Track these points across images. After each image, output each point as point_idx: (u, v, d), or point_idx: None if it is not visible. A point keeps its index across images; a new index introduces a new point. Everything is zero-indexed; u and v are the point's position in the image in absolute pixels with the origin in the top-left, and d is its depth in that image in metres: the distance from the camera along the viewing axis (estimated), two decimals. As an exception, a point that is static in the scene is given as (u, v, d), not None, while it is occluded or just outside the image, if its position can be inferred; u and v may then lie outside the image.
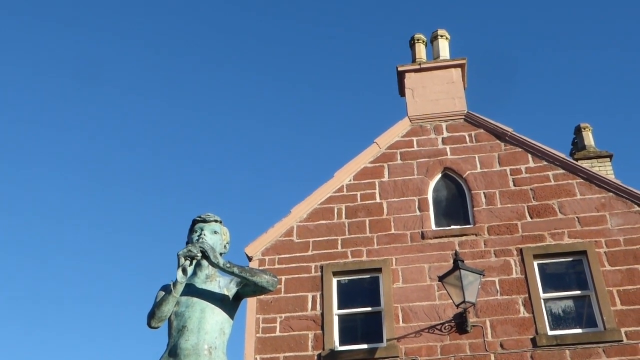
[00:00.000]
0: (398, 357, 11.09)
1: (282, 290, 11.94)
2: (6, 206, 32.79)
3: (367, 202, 12.75)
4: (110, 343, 32.12)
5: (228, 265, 4.47)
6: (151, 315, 4.45)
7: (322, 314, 11.62)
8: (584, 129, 15.89)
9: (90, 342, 31.78)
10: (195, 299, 4.51)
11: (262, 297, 11.91)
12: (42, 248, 33.79)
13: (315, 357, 11.28)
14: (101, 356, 31.17)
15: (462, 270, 10.76)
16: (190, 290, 4.58)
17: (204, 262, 4.65)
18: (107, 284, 33.56)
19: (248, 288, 4.61)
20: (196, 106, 37.88)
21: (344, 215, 12.64)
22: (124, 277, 33.98)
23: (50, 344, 32.01)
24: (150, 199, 35.16)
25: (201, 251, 4.43)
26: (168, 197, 35.14)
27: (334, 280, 12.01)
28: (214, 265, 4.46)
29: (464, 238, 12.05)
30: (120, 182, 35.00)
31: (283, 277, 11.99)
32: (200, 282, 4.65)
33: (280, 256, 12.29)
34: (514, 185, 12.53)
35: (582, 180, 12.43)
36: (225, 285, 4.65)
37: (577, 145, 15.92)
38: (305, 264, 12.19)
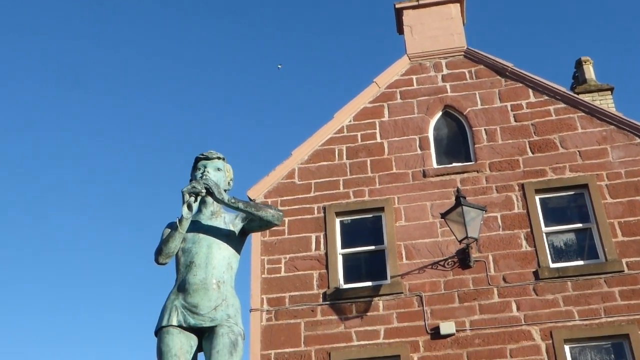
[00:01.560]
0: (402, 293, 11.28)
1: (286, 231, 12.06)
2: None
3: (367, 142, 12.76)
4: (119, 282, 32.63)
5: (233, 200, 4.46)
6: (158, 252, 4.47)
7: (326, 254, 11.77)
8: (585, 62, 15.76)
9: (100, 283, 32.30)
10: (201, 235, 4.52)
11: (266, 238, 12.05)
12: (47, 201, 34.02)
13: (321, 296, 11.48)
14: (111, 295, 31.71)
15: (464, 207, 10.85)
16: (196, 226, 4.58)
17: (209, 199, 4.62)
18: (113, 227, 33.87)
19: (254, 223, 4.60)
20: (196, 50, 37.55)
21: (345, 156, 12.67)
22: (128, 221, 34.22)
23: (62, 292, 32.51)
24: (150, 144, 35.16)
25: (205, 187, 4.41)
26: (169, 142, 35.10)
27: (337, 221, 12.12)
28: (219, 201, 4.45)
29: (465, 175, 12.10)
30: (120, 127, 34.95)
31: (286, 219, 12.09)
32: (205, 219, 4.64)
33: (282, 198, 12.36)
34: (515, 121, 12.52)
35: (583, 114, 12.40)
36: (230, 221, 4.64)
37: (578, 79, 15.80)
38: (307, 205, 12.27)
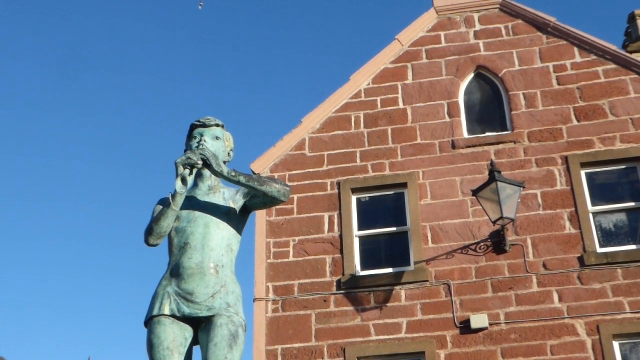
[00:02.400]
0: (427, 281, 11.15)
1: (295, 210, 11.98)
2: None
3: (388, 108, 12.58)
4: (107, 266, 32.77)
5: (233, 174, 4.43)
6: (149, 232, 4.44)
7: (340, 236, 11.68)
8: (639, 16, 15.49)
9: (82, 269, 32.50)
10: (197, 213, 4.51)
11: (272, 218, 12.00)
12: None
13: (335, 284, 11.38)
14: (98, 279, 31.93)
15: (499, 183, 10.70)
16: (192, 203, 4.57)
17: (206, 172, 4.61)
18: (99, 205, 33.89)
19: (257, 199, 4.58)
20: (194, 4, 37.12)
21: (362, 124, 12.53)
22: (116, 199, 34.22)
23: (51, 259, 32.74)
24: (141, 112, 34.87)
25: (202, 159, 4.40)
26: (161, 108, 34.82)
27: (353, 198, 12.02)
28: (217, 174, 4.43)
29: (500, 146, 11.92)
30: (108, 94, 34.69)
31: (295, 196, 12.03)
32: (202, 195, 4.62)
33: (291, 172, 12.29)
34: (558, 84, 12.29)
35: (636, 75, 12.13)
36: (230, 197, 4.63)
37: (631, 36, 15.56)
38: (320, 181, 12.17)
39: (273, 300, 11.39)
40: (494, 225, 10.93)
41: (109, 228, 34.40)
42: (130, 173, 35.25)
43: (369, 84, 12.84)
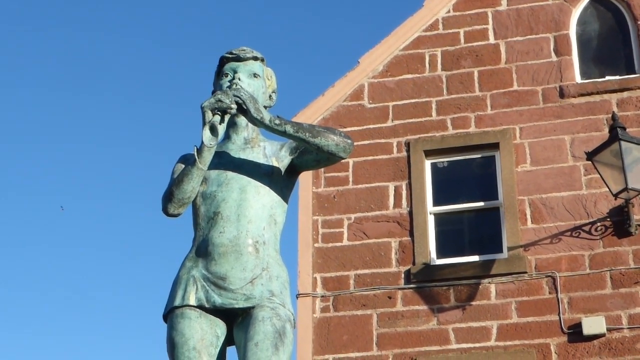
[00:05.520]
0: (526, 273, 11.31)
1: (351, 179, 12.19)
2: None
3: (475, 44, 12.67)
4: (109, 245, 33.30)
5: (277, 122, 4.52)
6: (168, 198, 4.58)
7: (410, 213, 11.86)
8: None
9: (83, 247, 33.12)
10: (230, 174, 4.62)
11: (320, 189, 12.20)
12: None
13: (403, 275, 11.59)
14: (97, 266, 32.48)
15: (623, 143, 10.77)
16: (223, 161, 4.67)
17: (241, 120, 4.72)
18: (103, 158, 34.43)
19: (308, 156, 4.70)
20: None
21: (439, 66, 12.64)
22: (127, 151, 34.55)
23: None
24: (158, 44, 35.05)
25: (236, 102, 4.47)
26: (182, 40, 34.86)
27: (428, 163, 12.21)
28: (256, 122, 4.52)
29: (626, 94, 11.97)
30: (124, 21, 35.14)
31: (351, 160, 12.15)
32: (236, 149, 4.73)
33: (345, 129, 12.21)
34: None
35: None
36: (273, 153, 4.74)
37: None
38: (383, 140, 12.34)
39: (322, 296, 11.65)
40: (615, 199, 10.99)
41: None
42: (135, 109, 35.74)
43: (448, 11, 12.90)
